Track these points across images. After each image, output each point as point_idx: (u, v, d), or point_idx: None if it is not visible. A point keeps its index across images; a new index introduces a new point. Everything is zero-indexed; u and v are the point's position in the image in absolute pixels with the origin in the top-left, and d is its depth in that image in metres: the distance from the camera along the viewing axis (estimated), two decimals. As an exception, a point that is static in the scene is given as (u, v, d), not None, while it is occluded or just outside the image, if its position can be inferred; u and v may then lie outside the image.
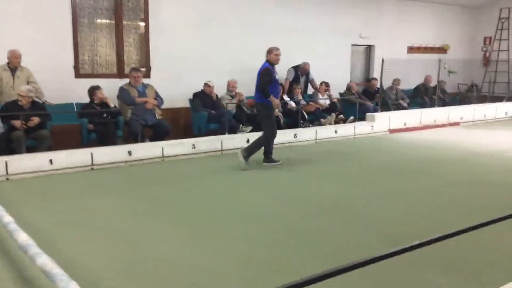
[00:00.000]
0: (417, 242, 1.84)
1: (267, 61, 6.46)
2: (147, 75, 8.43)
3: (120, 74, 8.28)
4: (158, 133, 7.51)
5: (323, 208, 4.66)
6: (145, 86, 7.70)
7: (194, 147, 7.10)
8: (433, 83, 12.00)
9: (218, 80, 8.61)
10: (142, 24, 8.57)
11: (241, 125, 8.27)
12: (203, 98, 8.42)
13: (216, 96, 8.58)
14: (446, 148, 8.11)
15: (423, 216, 4.42)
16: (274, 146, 6.72)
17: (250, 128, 8.26)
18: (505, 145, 8.29)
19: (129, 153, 6.53)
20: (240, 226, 4.11)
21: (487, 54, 14.21)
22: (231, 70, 9.12)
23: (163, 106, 7.92)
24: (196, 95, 8.49)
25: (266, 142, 6.50)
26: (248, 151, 6.40)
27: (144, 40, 8.55)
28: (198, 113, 8.30)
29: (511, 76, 13.51)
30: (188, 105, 8.65)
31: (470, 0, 13.67)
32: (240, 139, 7.66)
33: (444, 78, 12.52)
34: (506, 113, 12.22)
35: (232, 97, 8.70)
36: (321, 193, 5.24)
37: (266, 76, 6.35)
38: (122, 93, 7.47)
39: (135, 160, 6.55)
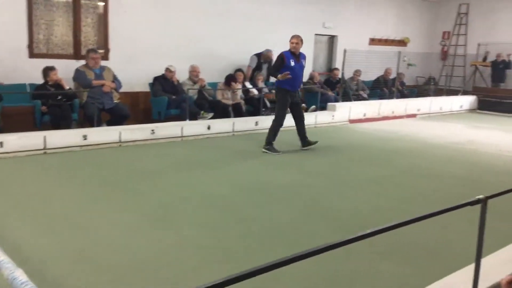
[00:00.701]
0: (366, 232, 1.86)
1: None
2: (105, 57, 8.17)
3: (77, 55, 7.99)
4: (116, 117, 7.33)
5: (277, 196, 4.69)
6: (103, 68, 7.47)
7: (153, 132, 6.97)
8: (392, 75, 12.24)
9: (179, 65, 8.46)
10: (101, 4, 8.28)
11: (202, 112, 8.17)
12: (164, 82, 8.26)
13: (178, 81, 8.44)
14: (402, 139, 8.31)
15: (374, 206, 4.52)
16: (240, 133, 6.68)
17: (211, 114, 8.18)
18: (458, 137, 8.58)
19: (84, 137, 6.34)
20: (192, 214, 4.07)
21: (445, 49, 14.60)
22: (193, 55, 8.98)
23: (122, 90, 7.72)
24: (156, 79, 8.32)
25: (277, 126, 6.57)
26: (267, 141, 6.57)
27: (103, 20, 8.27)
28: (158, 98, 8.14)
29: (467, 71, 13.96)
30: (148, 89, 8.46)
31: (431, -5, 13.99)
32: (201, 125, 7.58)
33: (403, 70, 12.80)
34: (461, 106, 12.64)
35: (194, 82, 8.58)
36: (277, 181, 5.25)
37: (276, 60, 6.62)
38: (78, 75, 7.22)
39: (90, 145, 6.36)
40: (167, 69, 8.30)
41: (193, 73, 8.60)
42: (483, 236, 2.18)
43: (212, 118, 8.10)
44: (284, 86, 6.47)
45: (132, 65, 8.39)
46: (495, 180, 5.61)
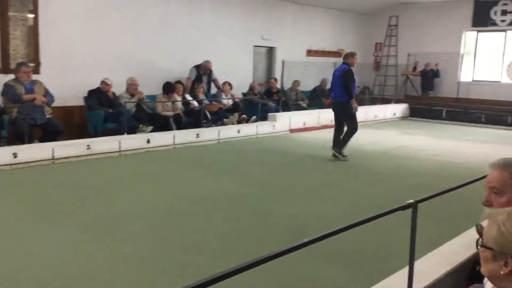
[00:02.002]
0: (312, 238, 1.88)
1: (346, 63, 7.13)
2: (36, 70, 7.79)
3: (5, 69, 7.57)
4: (48, 133, 6.99)
5: (221, 207, 4.66)
6: (33, 82, 7.11)
7: (89, 147, 6.72)
8: (329, 85, 12.58)
9: (116, 78, 8.24)
10: (31, 15, 7.92)
11: (141, 125, 7.99)
12: (100, 96, 8.00)
13: (114, 94, 8.21)
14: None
15: (316, 212, 4.60)
16: (181, 146, 6.68)
17: (150, 128, 8.02)
18: (392, 143, 8.95)
19: (15, 155, 5.99)
20: (132, 228, 3.95)
21: (378, 59, 15.26)
22: (130, 68, 8.78)
23: (55, 104, 7.40)
24: (91, 92, 8.04)
25: (352, 135, 7.17)
26: (340, 146, 7.11)
27: (33, 33, 7.91)
28: (94, 112, 7.87)
29: (399, 80, 14.65)
30: (82, 103, 8.16)
31: (363, 8, 14.57)
32: (139, 139, 7.40)
33: (340, 80, 13.20)
34: (394, 114, 13.22)
35: (132, 95, 8.38)
36: (221, 191, 5.23)
37: (352, 77, 6.98)
38: (7, 90, 6.84)
39: (21, 163, 6.02)
40: (103, 82, 8.06)
41: (132, 86, 8.40)
42: (415, 239, 2.26)
43: (151, 131, 7.94)
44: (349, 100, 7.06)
45: (65, 78, 8.07)
46: (423, 183, 5.85)
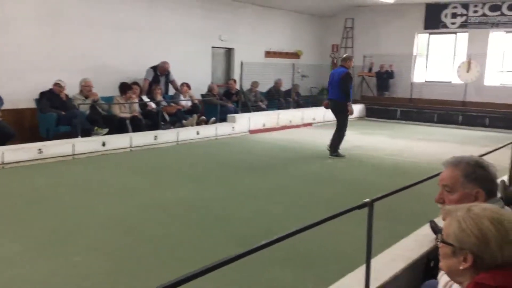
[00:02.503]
0: (266, 241, 1.86)
1: (343, 66, 7.57)
2: (-16, 72, 7.45)
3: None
4: (-3, 137, 6.68)
5: (177, 212, 4.59)
6: (-20, 84, 6.79)
7: (41, 151, 6.46)
8: (287, 86, 12.68)
9: (69, 80, 7.97)
10: (-24, 14, 7.55)
11: (96, 127, 7.76)
12: (52, 98, 7.71)
13: (67, 96, 7.93)
14: (299, 147, 8.63)
15: (273, 214, 4.60)
16: (138, 149, 6.87)
17: (106, 130, 7.80)
18: (349, 143, 9.08)
19: (-41, 160, 5.69)
20: (86, 238, 3.82)
21: (335, 60, 15.51)
22: (84, 69, 8.52)
23: (4, 107, 7.09)
24: (43, 94, 7.74)
25: (342, 135, 7.58)
26: (333, 149, 7.54)
27: (-21, 32, 7.54)
28: (45, 115, 7.57)
29: (355, 81, 14.90)
30: (34, 105, 7.85)
31: (320, 10, 14.78)
32: (95, 142, 7.20)
33: (298, 81, 13.35)
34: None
35: (86, 97, 8.13)
36: (178, 197, 5.14)
37: (350, 80, 7.49)
38: (-50, 92, 6.49)
39: (-33, 169, 5.73)
40: (56, 84, 7.78)
41: (86, 88, 8.15)
42: (371, 237, 2.28)
43: (107, 133, 7.73)
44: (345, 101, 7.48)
45: (15, 80, 7.74)
46: (378, 181, 5.98)
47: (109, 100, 8.58)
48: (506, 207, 1.79)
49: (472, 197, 1.78)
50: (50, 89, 7.77)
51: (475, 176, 1.80)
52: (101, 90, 8.45)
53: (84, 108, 7.92)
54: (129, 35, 9.62)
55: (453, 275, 1.37)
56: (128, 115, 8.38)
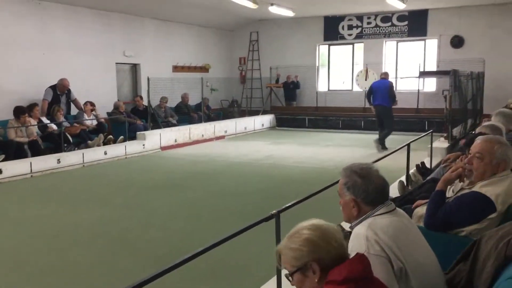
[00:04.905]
0: (177, 261, 1.81)
1: (384, 78, 9.70)
2: None
3: None
4: None
5: (81, 239, 4.33)
6: None
7: None
8: (197, 100, 12.60)
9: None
10: None
11: (-11, 154, 7.14)
12: None
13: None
14: (212, 161, 8.61)
15: (186, 230, 4.53)
16: (39, 174, 6.04)
17: (2, 156, 7.20)
18: (261, 154, 9.26)
19: None
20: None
21: (243, 73, 15.78)
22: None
23: None
24: None
25: (390, 132, 9.44)
26: (382, 143, 9.27)
27: None
28: None
29: (264, 92, 15.29)
30: None
31: (224, 24, 14.95)
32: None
33: (208, 95, 13.36)
34: (262, 125, 13.75)
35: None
36: (82, 222, 4.86)
37: (393, 87, 9.61)
38: None
39: None
40: None
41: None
42: (281, 248, 2.32)
43: (3, 160, 7.13)
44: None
45: None
46: (290, 190, 6.07)
47: (4, 124, 7.93)
48: (398, 209, 1.86)
49: (351, 204, 1.81)
50: None
51: (351, 185, 1.82)
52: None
53: (-25, 134, 7.25)
54: (24, 54, 9.03)
55: None
56: (25, 139, 7.81)
